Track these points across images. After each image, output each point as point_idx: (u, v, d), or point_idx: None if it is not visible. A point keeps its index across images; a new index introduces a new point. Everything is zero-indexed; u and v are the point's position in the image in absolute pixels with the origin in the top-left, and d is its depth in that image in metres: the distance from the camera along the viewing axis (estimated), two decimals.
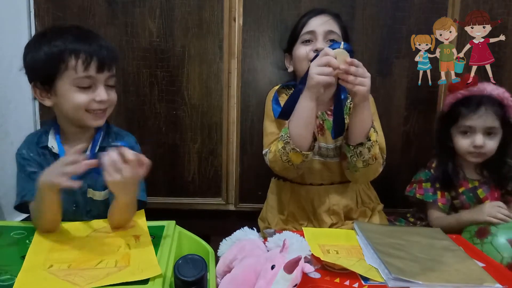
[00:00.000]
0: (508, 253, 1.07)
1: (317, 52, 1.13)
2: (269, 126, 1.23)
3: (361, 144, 1.09)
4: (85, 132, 1.04)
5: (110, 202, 0.96)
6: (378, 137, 1.14)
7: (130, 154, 0.81)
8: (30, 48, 0.99)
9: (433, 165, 1.34)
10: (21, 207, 0.98)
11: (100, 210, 1.04)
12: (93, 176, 0.93)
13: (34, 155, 1.00)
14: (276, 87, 1.29)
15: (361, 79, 1.02)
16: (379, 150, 1.14)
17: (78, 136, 1.03)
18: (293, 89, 1.27)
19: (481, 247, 1.11)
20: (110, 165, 0.81)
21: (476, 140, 1.24)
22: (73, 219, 0.99)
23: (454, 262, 0.87)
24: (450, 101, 1.32)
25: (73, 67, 0.94)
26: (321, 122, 1.22)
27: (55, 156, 1.00)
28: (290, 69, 1.29)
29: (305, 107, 1.06)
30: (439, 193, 1.30)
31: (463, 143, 1.27)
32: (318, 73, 1.01)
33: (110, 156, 0.81)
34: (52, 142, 1.02)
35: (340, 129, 1.15)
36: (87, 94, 0.96)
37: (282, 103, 1.22)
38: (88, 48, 0.95)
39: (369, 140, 1.09)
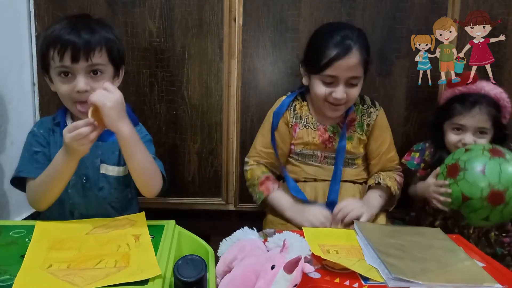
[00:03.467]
0: (485, 183, 1.07)
1: (337, 99, 1.17)
2: (259, 140, 1.32)
3: None
4: None
5: (125, 181, 1.06)
6: (394, 154, 1.31)
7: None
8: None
9: (429, 141, 1.38)
10: (17, 182, 1.03)
11: (113, 187, 1.06)
12: (103, 138, 0.97)
13: (44, 132, 1.06)
14: (282, 98, 1.31)
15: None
16: (396, 168, 1.31)
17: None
18: (299, 99, 1.30)
19: (457, 186, 1.11)
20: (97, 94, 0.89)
21: (466, 138, 1.25)
22: (83, 195, 1.03)
23: (454, 262, 0.87)
24: (447, 95, 1.34)
25: (52, 57, 0.98)
26: (331, 135, 1.26)
27: None
28: (306, 82, 1.27)
29: None
30: (422, 165, 1.35)
31: (453, 138, 1.29)
32: None
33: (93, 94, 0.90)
34: (69, 120, 1.08)
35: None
36: (69, 84, 0.99)
37: (288, 117, 1.28)
38: (65, 37, 0.97)
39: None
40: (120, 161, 1.09)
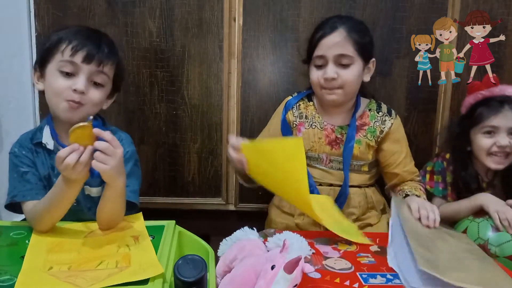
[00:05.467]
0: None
1: (327, 78, 1.14)
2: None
3: None
4: None
5: None
6: (412, 166, 1.26)
7: (107, 134, 0.84)
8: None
9: (447, 156, 1.31)
10: (11, 206, 0.99)
11: None
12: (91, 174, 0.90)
13: (26, 153, 1.01)
14: (287, 99, 1.29)
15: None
16: (418, 180, 1.26)
17: None
18: (304, 99, 1.28)
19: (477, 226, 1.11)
20: (104, 153, 0.83)
21: (501, 140, 1.18)
22: (75, 217, 1.00)
23: (480, 268, 0.85)
24: (470, 102, 1.27)
25: (61, 51, 0.96)
26: (338, 136, 1.23)
27: (49, 153, 1.01)
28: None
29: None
30: (449, 188, 1.28)
31: (486, 142, 1.20)
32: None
33: (101, 145, 0.83)
34: (47, 138, 1.02)
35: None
36: (67, 81, 0.96)
37: (290, 118, 1.26)
38: (83, 39, 0.97)
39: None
40: (103, 181, 1.02)
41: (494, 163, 1.21)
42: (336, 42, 1.14)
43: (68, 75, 0.97)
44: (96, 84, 1.00)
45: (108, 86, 1.04)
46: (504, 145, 1.17)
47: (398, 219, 0.93)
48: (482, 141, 1.21)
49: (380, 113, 1.25)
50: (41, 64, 1.01)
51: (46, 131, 1.03)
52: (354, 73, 1.16)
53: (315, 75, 1.17)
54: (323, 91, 1.18)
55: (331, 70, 1.14)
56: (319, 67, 1.17)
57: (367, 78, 1.22)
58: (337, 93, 1.17)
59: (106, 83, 1.02)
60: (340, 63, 1.15)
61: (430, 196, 1.31)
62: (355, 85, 1.19)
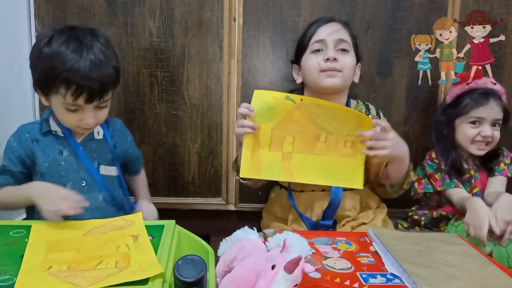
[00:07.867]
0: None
1: (328, 60, 1.14)
2: None
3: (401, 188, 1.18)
4: None
5: (119, 181, 1.13)
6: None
7: None
8: (35, 50, 1.01)
9: (433, 155, 1.36)
10: None
11: (109, 188, 1.09)
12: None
13: (17, 145, 1.06)
14: None
15: (383, 143, 1.06)
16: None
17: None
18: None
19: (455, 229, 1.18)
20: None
21: (485, 130, 1.28)
22: (87, 196, 1.02)
23: (476, 269, 0.85)
24: (457, 92, 1.34)
25: (63, 95, 0.96)
26: None
27: (59, 139, 1.06)
28: (299, 80, 1.27)
29: None
30: (454, 179, 1.32)
31: (471, 132, 1.30)
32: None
33: None
34: (55, 127, 1.06)
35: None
36: (75, 116, 1.00)
37: None
38: (82, 77, 0.94)
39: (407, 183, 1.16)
40: (113, 162, 1.12)
41: (477, 150, 1.31)
42: (335, 29, 1.18)
43: (74, 111, 0.99)
44: (101, 108, 1.03)
45: (110, 100, 1.06)
46: (488, 136, 1.28)
47: (382, 245, 0.93)
48: (468, 131, 1.31)
49: (369, 115, 1.24)
50: (40, 88, 1.01)
51: (52, 121, 1.07)
52: (352, 60, 1.19)
53: (313, 59, 1.17)
54: (321, 75, 1.17)
55: (332, 52, 1.16)
56: (317, 51, 1.18)
57: (356, 79, 1.24)
58: (338, 76, 1.16)
59: (108, 102, 1.05)
60: (339, 49, 1.17)
61: (444, 195, 1.33)
62: (351, 74, 1.20)
